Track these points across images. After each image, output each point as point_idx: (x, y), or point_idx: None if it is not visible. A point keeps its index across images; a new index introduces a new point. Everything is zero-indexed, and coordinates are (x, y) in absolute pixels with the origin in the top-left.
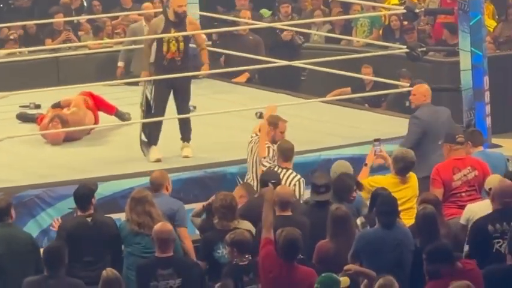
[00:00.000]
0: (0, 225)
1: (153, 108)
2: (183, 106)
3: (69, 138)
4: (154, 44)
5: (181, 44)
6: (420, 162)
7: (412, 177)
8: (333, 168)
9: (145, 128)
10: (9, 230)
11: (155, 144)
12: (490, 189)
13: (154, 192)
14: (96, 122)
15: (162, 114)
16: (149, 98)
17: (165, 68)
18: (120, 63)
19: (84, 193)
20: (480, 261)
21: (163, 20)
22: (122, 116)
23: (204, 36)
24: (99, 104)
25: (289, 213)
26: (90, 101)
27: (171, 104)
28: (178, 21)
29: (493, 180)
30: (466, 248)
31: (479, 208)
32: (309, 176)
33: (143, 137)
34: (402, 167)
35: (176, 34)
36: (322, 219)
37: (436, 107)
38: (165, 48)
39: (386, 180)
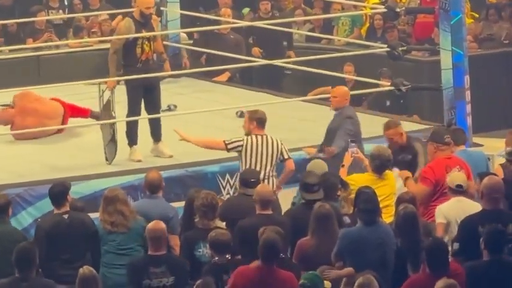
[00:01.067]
0: None
1: (128, 110)
2: (156, 105)
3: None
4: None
5: (153, 44)
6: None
7: (389, 175)
8: (308, 167)
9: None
10: (4, 227)
11: (136, 144)
12: (457, 186)
13: (151, 193)
14: (65, 110)
15: (139, 115)
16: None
17: (139, 70)
18: None
19: (59, 190)
20: (468, 260)
21: (132, 22)
22: (98, 116)
23: (185, 35)
24: (71, 112)
25: (269, 212)
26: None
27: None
28: (146, 21)
29: (458, 176)
30: (456, 246)
31: (453, 206)
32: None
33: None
34: (379, 165)
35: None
36: None
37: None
38: (138, 51)
39: (363, 178)
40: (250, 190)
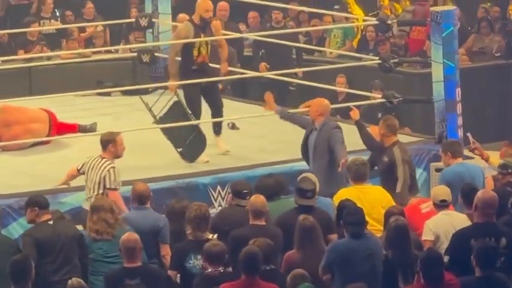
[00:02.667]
0: None
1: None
2: (217, 104)
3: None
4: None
5: (209, 47)
6: (334, 176)
7: (369, 188)
8: (299, 180)
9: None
10: None
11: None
12: (441, 201)
13: (140, 205)
14: (51, 117)
15: (201, 114)
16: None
17: (195, 72)
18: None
19: (44, 199)
20: (460, 274)
21: (191, 25)
22: (86, 129)
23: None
24: (60, 129)
25: (262, 222)
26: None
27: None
28: (205, 25)
29: (441, 190)
30: (446, 259)
31: (441, 220)
32: (283, 185)
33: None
34: (353, 173)
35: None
36: None
37: None
38: (195, 53)
39: (348, 192)
40: (244, 201)
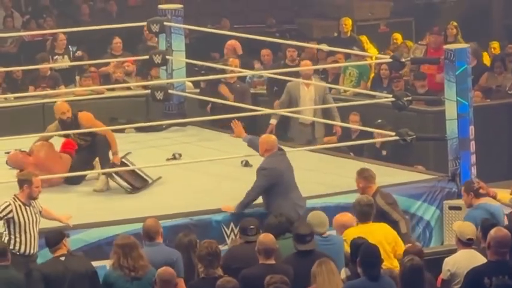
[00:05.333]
0: None
1: None
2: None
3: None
4: None
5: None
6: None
7: (375, 226)
8: (309, 218)
9: None
10: (6, 272)
11: None
12: (468, 239)
13: (149, 241)
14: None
15: None
16: None
17: None
18: (273, 121)
19: (55, 234)
20: None
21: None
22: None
23: (191, 84)
24: None
25: (272, 261)
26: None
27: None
28: (71, 124)
29: (468, 228)
30: None
31: (462, 258)
32: (292, 224)
33: None
34: (359, 211)
35: None
36: (308, 268)
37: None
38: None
39: (354, 231)
40: (251, 237)
